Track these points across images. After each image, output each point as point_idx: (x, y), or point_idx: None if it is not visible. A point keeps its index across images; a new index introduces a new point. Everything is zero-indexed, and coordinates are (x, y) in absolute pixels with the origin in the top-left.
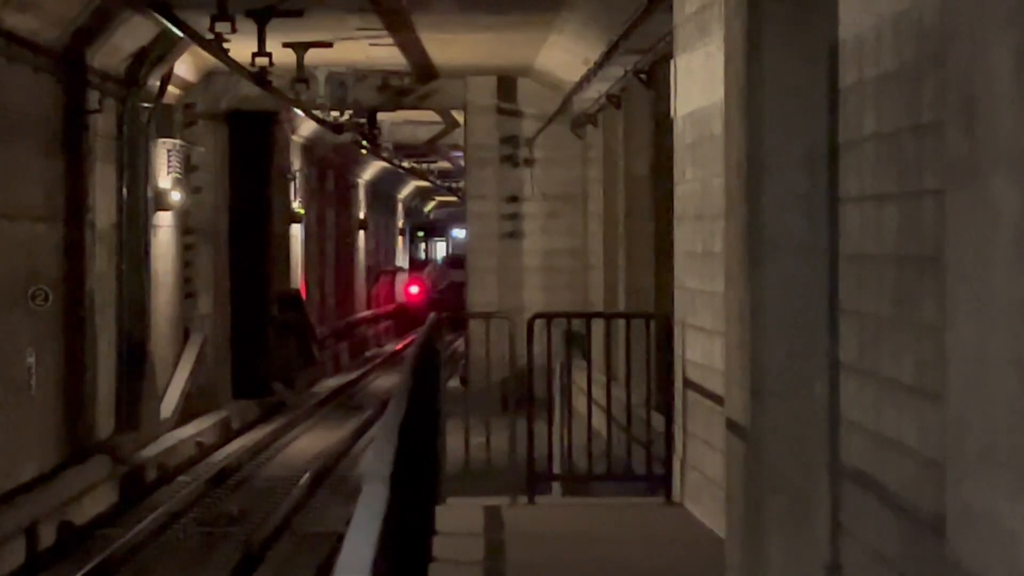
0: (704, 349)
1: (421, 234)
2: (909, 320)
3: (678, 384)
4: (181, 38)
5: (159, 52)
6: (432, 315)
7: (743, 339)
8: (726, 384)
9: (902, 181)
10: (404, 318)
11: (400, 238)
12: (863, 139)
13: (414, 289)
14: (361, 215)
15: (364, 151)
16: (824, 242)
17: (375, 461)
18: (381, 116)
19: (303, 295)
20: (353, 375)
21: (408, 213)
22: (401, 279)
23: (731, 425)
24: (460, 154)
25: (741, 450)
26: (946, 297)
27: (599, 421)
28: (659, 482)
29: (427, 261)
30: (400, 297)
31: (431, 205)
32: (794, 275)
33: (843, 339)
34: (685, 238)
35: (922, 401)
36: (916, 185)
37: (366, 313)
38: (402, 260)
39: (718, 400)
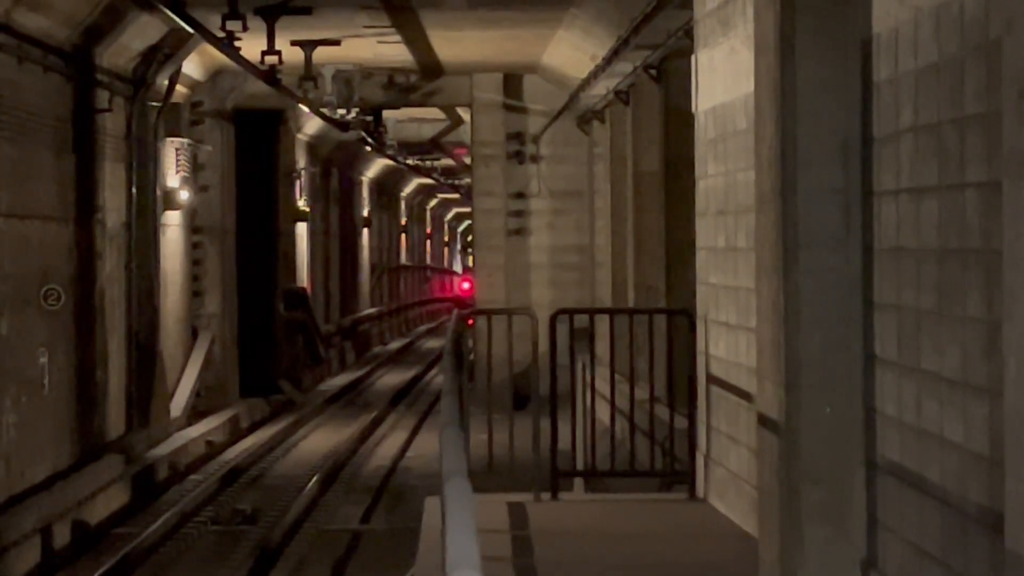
0: (728, 344)
1: (471, 249)
2: (952, 313)
3: (701, 380)
4: (190, 36)
5: (167, 51)
6: (455, 311)
7: (776, 334)
8: (758, 379)
9: (943, 174)
10: (458, 303)
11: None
12: (899, 132)
13: (465, 285)
14: (365, 213)
15: (368, 149)
16: (858, 236)
17: (450, 458)
18: (386, 114)
19: (308, 293)
20: (359, 373)
21: (462, 235)
22: (456, 278)
23: (763, 420)
24: (465, 151)
25: (774, 444)
26: (1003, 289)
27: (620, 417)
28: (682, 478)
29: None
30: (456, 290)
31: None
32: (828, 269)
33: (879, 333)
34: (707, 233)
35: (967, 395)
36: (958, 178)
37: (371, 311)
38: (458, 265)
39: (743, 395)
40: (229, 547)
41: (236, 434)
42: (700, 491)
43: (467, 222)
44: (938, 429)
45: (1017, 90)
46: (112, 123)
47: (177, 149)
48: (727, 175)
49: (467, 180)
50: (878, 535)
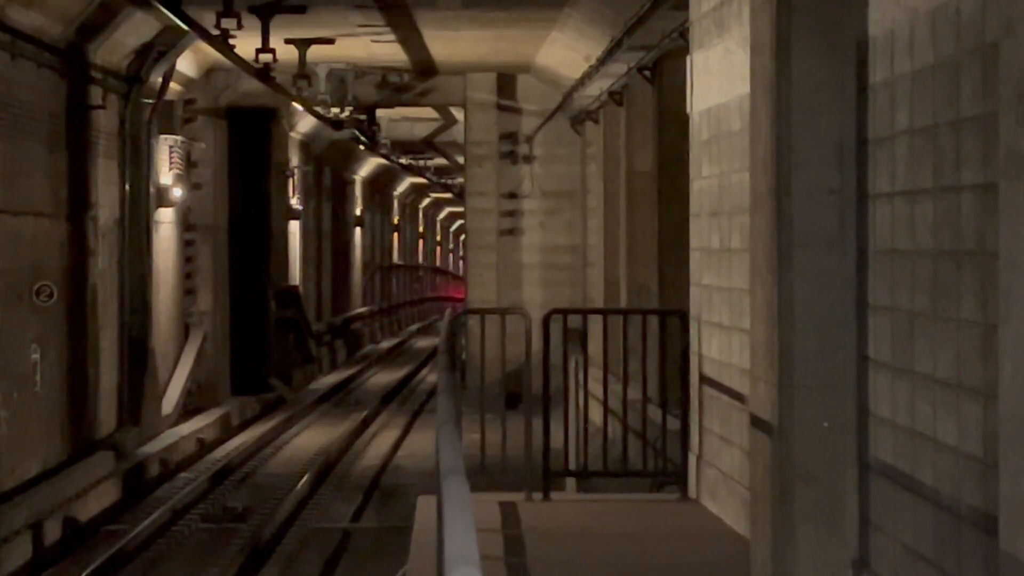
0: (721, 345)
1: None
2: (946, 315)
3: (694, 381)
4: (185, 33)
5: (161, 48)
6: (448, 311)
7: (770, 334)
8: (751, 379)
9: (938, 176)
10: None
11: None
12: (895, 135)
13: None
14: (357, 212)
15: (361, 148)
16: (852, 237)
17: (448, 456)
18: (379, 113)
19: (300, 291)
20: (350, 372)
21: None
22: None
23: (756, 421)
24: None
25: (767, 445)
26: (998, 291)
27: (611, 418)
28: (674, 478)
29: None
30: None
31: None
32: (823, 270)
33: (873, 335)
34: (701, 234)
35: (961, 396)
36: (953, 180)
37: (363, 310)
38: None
39: (736, 396)
40: (220, 544)
41: (227, 432)
42: (692, 492)
43: (459, 222)
44: (931, 431)
45: (1015, 92)
46: (105, 120)
47: (170, 146)
48: (721, 176)
49: (460, 180)
50: (871, 536)
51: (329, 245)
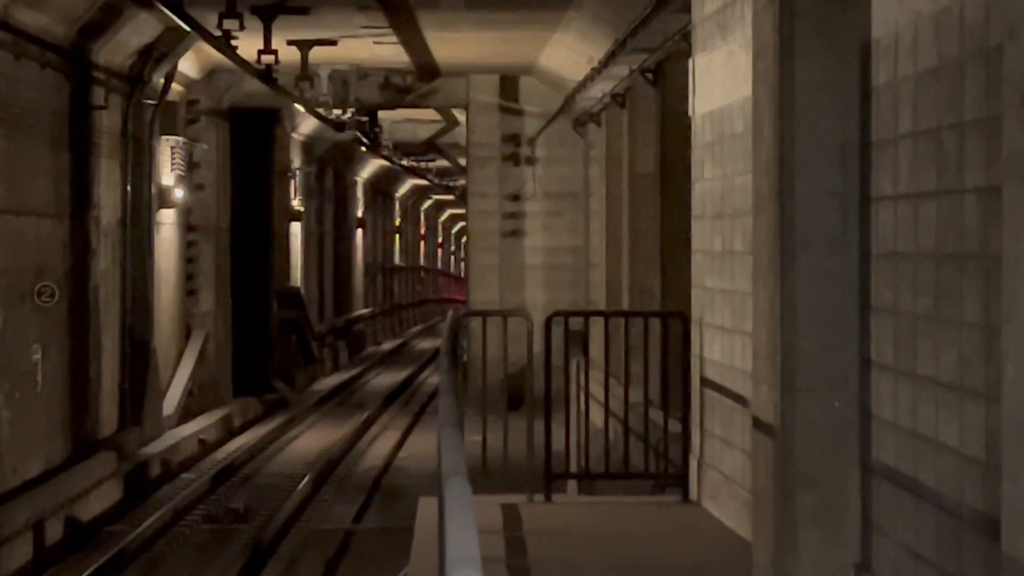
0: (723, 348)
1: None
2: (949, 318)
3: (695, 383)
4: (187, 34)
5: (164, 49)
6: (450, 312)
7: (772, 336)
8: (753, 381)
9: (941, 179)
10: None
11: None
12: (898, 137)
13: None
14: (359, 213)
15: (364, 149)
16: (856, 239)
17: (449, 456)
18: (381, 114)
19: (302, 292)
20: (352, 373)
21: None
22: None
23: (758, 423)
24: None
25: (769, 448)
26: (1002, 292)
27: (613, 420)
28: (675, 481)
29: None
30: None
31: None
32: (826, 272)
33: (876, 337)
34: (703, 237)
35: (963, 399)
36: (957, 183)
37: (364, 311)
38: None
39: (738, 398)
40: (221, 545)
41: (229, 432)
42: (693, 494)
43: (461, 223)
44: (933, 433)
45: (1018, 95)
46: (108, 120)
47: (172, 147)
48: (724, 179)
49: (462, 181)
50: (872, 538)
51: (331, 246)
